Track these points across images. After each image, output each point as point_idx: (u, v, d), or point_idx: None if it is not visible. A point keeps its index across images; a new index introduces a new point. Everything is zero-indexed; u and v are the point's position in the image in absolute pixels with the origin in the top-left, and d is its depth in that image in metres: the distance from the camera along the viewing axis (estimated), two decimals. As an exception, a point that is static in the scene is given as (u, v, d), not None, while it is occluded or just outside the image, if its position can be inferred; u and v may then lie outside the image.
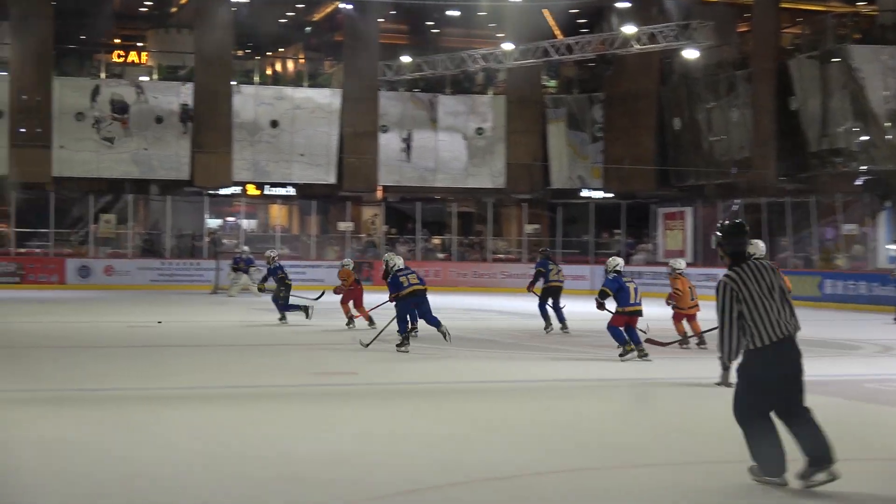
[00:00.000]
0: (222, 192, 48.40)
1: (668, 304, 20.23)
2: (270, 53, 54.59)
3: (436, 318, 19.73)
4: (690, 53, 42.85)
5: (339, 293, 25.10)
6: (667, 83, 48.05)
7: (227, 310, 30.12)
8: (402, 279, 19.89)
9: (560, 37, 48.17)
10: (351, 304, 24.80)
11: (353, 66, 48.98)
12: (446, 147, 50.61)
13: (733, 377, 9.16)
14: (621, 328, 17.90)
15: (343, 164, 48.60)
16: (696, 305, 19.90)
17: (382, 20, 50.80)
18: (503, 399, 13.97)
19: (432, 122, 50.56)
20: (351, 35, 49.27)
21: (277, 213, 51.39)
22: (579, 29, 49.54)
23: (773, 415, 8.46)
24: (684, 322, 20.15)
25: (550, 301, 23.89)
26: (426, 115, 50.60)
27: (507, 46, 46.93)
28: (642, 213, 46.68)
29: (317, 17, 54.38)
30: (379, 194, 50.20)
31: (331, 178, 48.77)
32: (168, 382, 14.95)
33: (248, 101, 48.21)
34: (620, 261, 18.62)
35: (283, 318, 25.47)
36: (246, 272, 36.06)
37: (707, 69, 45.33)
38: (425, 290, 19.85)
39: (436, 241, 49.04)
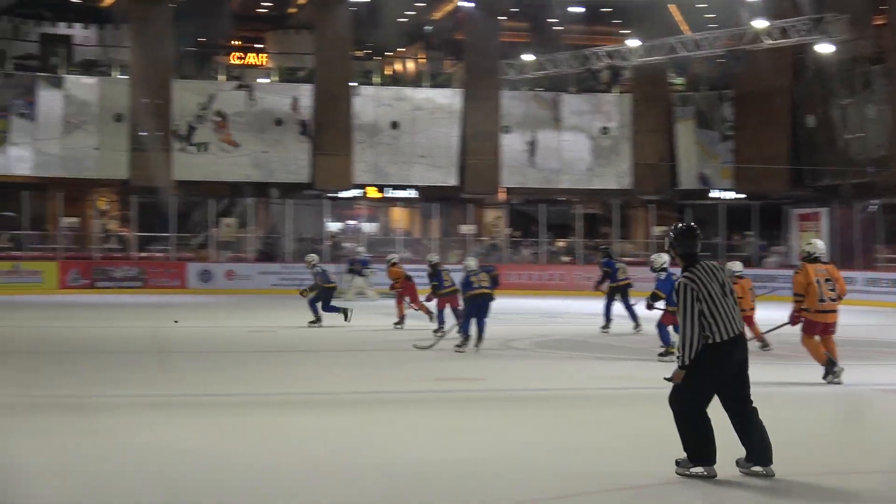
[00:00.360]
0: (342, 194, 48.67)
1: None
2: (390, 53, 54.81)
3: (483, 325, 19.92)
4: (824, 48, 41.97)
5: (396, 290, 25.40)
6: (800, 79, 47.14)
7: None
8: (472, 279, 20.20)
9: (688, 32, 47.55)
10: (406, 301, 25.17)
11: (474, 66, 48.93)
12: (570, 147, 50.29)
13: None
14: (669, 327, 18.15)
15: (465, 166, 48.58)
16: (754, 308, 19.83)
17: (504, 18, 50.66)
18: (630, 405, 13.72)
19: (556, 121, 50.28)
20: (472, 33, 49.23)
21: (398, 215, 51.54)
22: (707, 24, 48.84)
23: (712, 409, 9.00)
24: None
25: (619, 300, 24.29)
26: (549, 115, 50.34)
27: (633, 43, 46.46)
28: (774, 215, 45.80)
29: (437, 15, 54.45)
30: (501, 196, 50.05)
31: (452, 180, 48.77)
32: (288, 388, 14.97)
33: (368, 102, 48.42)
34: (666, 257, 18.79)
35: (315, 320, 25.22)
36: (360, 274, 36.21)
37: (842, 64, 44.33)
38: (492, 294, 20.11)
39: (560, 243, 48.72)
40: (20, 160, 44.68)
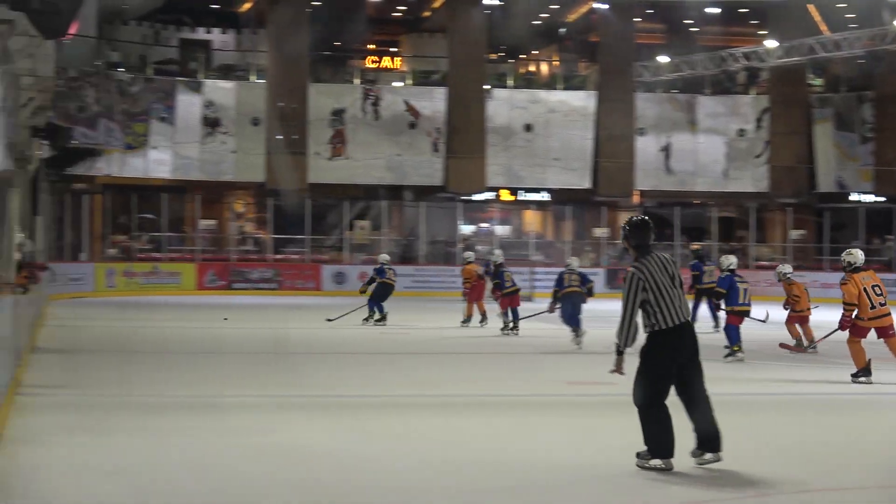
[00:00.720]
0: (475, 197, 48.78)
1: (786, 308, 20.70)
2: (524, 56, 54.78)
3: (578, 320, 21.08)
4: (970, 47, 40.91)
5: (467, 292, 26.08)
6: (943, 79, 45.98)
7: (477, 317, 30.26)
8: (564, 277, 21.50)
9: (827, 33, 46.68)
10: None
11: (608, 68, 48.69)
12: (706, 150, 49.74)
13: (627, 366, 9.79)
14: (738, 327, 18.86)
15: (598, 169, 48.36)
16: (810, 309, 20.19)
17: (639, 20, 50.31)
18: (765, 411, 13.52)
19: (691, 124, 49.78)
20: (607, 35, 48.99)
21: (531, 218, 51.50)
22: (847, 24, 47.88)
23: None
24: (797, 325, 20.63)
25: (705, 302, 24.97)
26: (685, 117, 49.85)
27: (771, 44, 45.78)
28: (917, 218, 44.76)
29: (571, 17, 54.27)
30: (636, 199, 49.71)
31: (586, 183, 48.58)
32: (420, 389, 15.05)
33: (502, 105, 48.48)
34: (734, 259, 19.62)
35: (369, 318, 26.39)
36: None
37: None
38: (581, 293, 21.23)
39: (695, 246, 48.15)
40: (160, 163, 45.65)
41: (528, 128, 48.57)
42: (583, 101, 48.87)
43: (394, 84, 49.02)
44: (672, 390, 9.48)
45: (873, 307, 15.71)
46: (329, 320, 26.44)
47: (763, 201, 49.34)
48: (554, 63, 53.86)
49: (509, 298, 24.28)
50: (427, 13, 54.00)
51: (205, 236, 45.03)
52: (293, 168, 45.57)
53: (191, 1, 49.42)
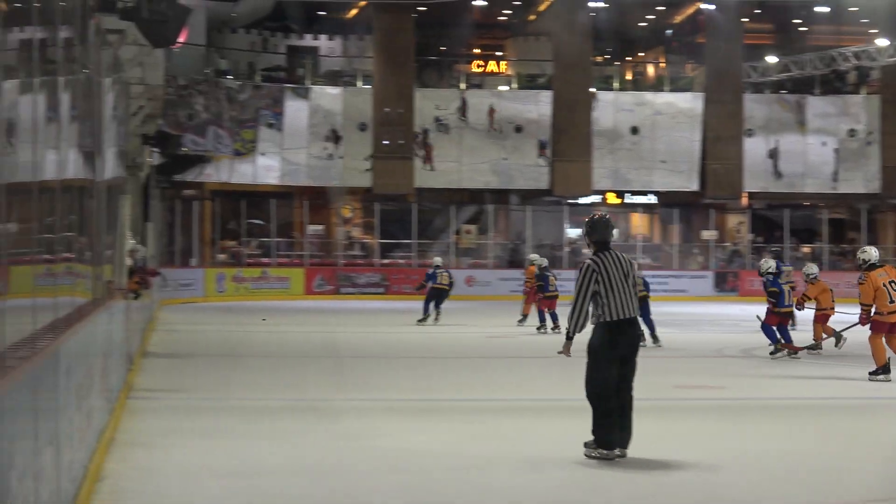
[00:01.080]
0: (582, 200, 48.59)
1: (799, 308, 20.58)
2: (630, 58, 54.45)
3: (650, 321, 21.15)
4: None
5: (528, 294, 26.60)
6: None
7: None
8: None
9: (941, 29, 45.74)
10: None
11: (715, 69, 48.18)
12: (815, 151, 48.98)
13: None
14: (774, 327, 19.36)
15: (706, 171, 47.87)
16: (833, 308, 20.23)
17: (746, 20, 49.71)
18: (877, 415, 13.26)
19: (800, 124, 49.06)
20: (714, 36, 48.46)
21: (638, 221, 51.15)
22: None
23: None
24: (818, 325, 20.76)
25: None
26: (793, 118, 49.15)
27: (882, 42, 44.95)
28: None
29: (677, 18, 53.83)
30: (744, 201, 49.13)
31: (693, 185, 48.13)
32: (519, 393, 15.00)
33: (608, 107, 48.23)
34: (773, 263, 20.51)
35: (423, 319, 27.54)
36: None
37: None
38: (646, 296, 21.21)
39: (805, 249, 47.48)
40: (268, 169, 46.11)
41: (635, 130, 48.26)
42: (690, 102, 48.43)
43: (499, 88, 48.98)
44: None
45: (892, 301, 15.91)
46: (264, 319, 28.18)
47: (875, 202, 48.45)
48: (660, 65, 53.45)
49: (549, 301, 25.04)
50: (532, 17, 53.89)
51: (313, 241, 45.41)
52: (400, 173, 45.77)
53: (298, 8, 49.85)
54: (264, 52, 49.88)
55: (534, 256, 28.00)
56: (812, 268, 21.44)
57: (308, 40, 51.96)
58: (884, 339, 16.10)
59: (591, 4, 47.57)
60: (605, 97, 48.39)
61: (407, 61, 46.83)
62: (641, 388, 15.69)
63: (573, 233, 49.13)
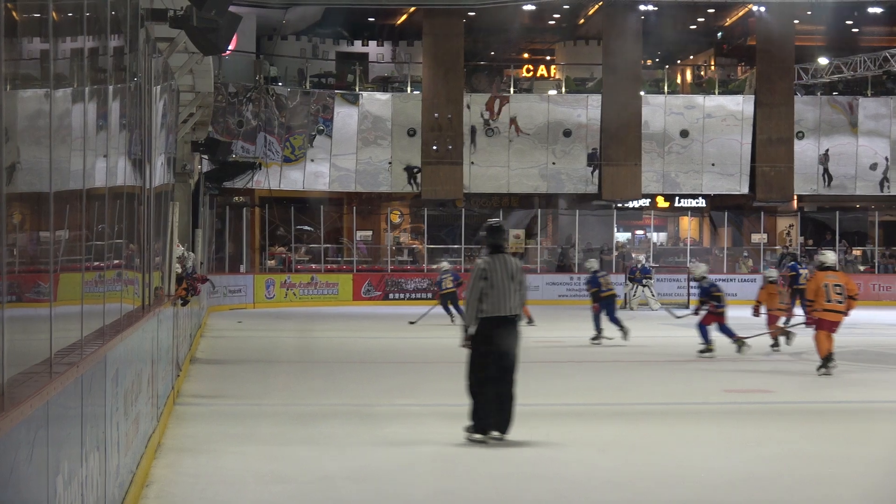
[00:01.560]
0: (631, 204, 48.45)
1: (756, 315, 22.21)
2: (680, 61, 54.24)
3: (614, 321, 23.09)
4: None
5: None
6: None
7: (629, 325, 30.01)
8: (600, 280, 23.91)
9: None
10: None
11: (766, 71, 47.89)
12: (867, 153, 48.58)
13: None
14: (709, 326, 20.74)
15: (756, 174, 47.59)
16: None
17: (797, 21, 49.37)
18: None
19: (852, 126, 48.68)
20: (764, 38, 48.16)
21: (688, 225, 50.94)
22: None
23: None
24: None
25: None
26: (845, 120, 48.76)
27: (935, 43, 44.51)
28: None
29: (728, 21, 53.56)
30: (794, 204, 48.81)
31: (743, 189, 47.87)
32: (571, 398, 15.00)
33: (657, 111, 48.06)
34: (703, 267, 22.35)
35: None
36: (641, 283, 36.03)
37: None
38: (613, 295, 23.80)
39: (856, 252, 47.10)
40: (317, 176, 46.28)
41: (684, 133, 48.06)
42: (740, 105, 48.16)
43: (550, 93, 48.93)
44: None
45: (829, 300, 17.44)
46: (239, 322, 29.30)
47: (927, 205, 48.03)
48: (710, 68, 53.20)
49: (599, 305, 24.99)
50: (581, 21, 53.80)
51: (361, 247, 45.53)
52: (449, 179, 45.83)
53: (348, 15, 50.04)
54: (314, 59, 50.14)
55: (591, 262, 27.65)
56: (772, 272, 23.22)
57: (357, 46, 52.19)
58: (815, 332, 17.59)
59: (640, 8, 47.41)
60: (654, 100, 48.22)
61: (456, 66, 46.87)
62: (690, 391, 15.72)
63: (622, 237, 49.01)
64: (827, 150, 48.45)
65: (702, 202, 48.87)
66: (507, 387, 11.22)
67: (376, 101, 47.21)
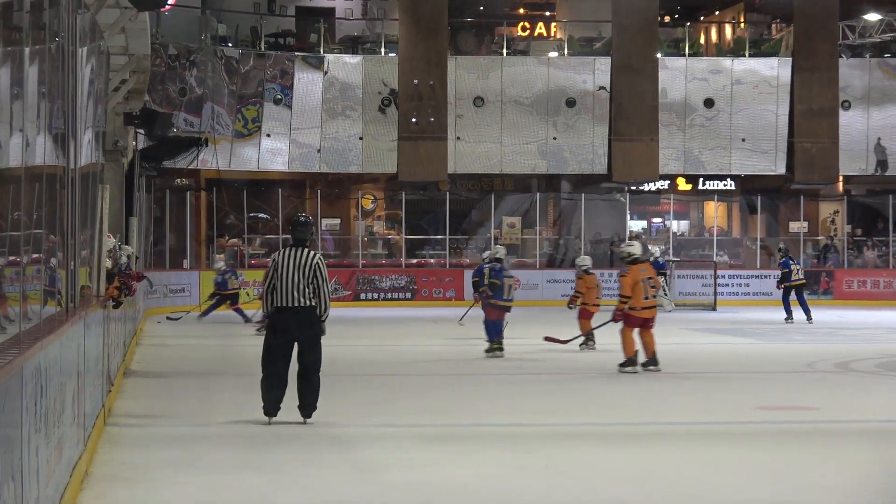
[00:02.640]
0: (646, 187, 48.49)
1: (570, 307, 24.78)
2: (704, 18, 54.30)
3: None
4: None
5: None
6: None
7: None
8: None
9: None
10: None
11: (805, 29, 47.93)
12: (926, 125, 48.69)
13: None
14: (496, 322, 22.47)
15: (794, 151, 47.65)
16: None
17: (842, -30, 49.49)
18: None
19: (907, 94, 48.78)
20: (803, -10, 48.24)
21: (713, 211, 51.01)
22: None
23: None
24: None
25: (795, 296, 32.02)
26: (899, 86, 48.88)
27: None
28: None
29: (760, -30, 53.68)
30: (840, 187, 48.92)
31: (779, 168, 47.94)
32: (583, 418, 15.01)
33: (677, 76, 48.10)
34: (501, 248, 24.10)
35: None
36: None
37: None
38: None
39: (782, 245, 47.20)
40: (274, 153, 46.14)
41: (709, 103, 48.08)
42: (774, 69, 48.21)
43: (549, 55, 48.91)
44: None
45: (647, 297, 19.45)
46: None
47: None
48: (740, 25, 53.25)
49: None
50: (587, -31, 53.89)
51: (327, 238, 45.50)
52: (430, 157, 45.81)
53: (310, -38, 50.02)
54: (270, 15, 49.99)
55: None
56: (585, 259, 25.31)
57: (322, 1, 52.08)
58: (637, 332, 19.58)
59: (656, -46, 47.46)
60: (673, 64, 48.23)
61: (439, 24, 46.78)
62: (718, 409, 15.73)
63: (636, 225, 49.06)
64: (879, 121, 48.50)
65: (730, 184, 48.92)
66: (304, 375, 14.10)
67: (344, 66, 47.13)
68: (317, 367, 14.02)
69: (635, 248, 20.09)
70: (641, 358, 19.70)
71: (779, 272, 33.21)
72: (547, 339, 22.75)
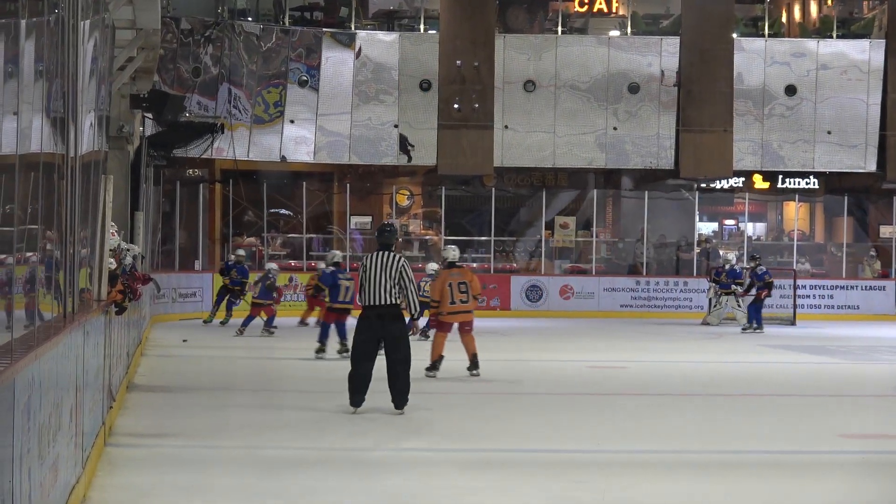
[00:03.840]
0: (718, 185, 48.39)
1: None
2: (785, -6, 54.19)
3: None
4: None
5: None
6: None
7: (714, 346, 30.08)
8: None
9: None
10: None
11: (901, 8, 47.80)
12: None
13: None
14: (331, 324, 25.26)
15: (887, 145, 47.48)
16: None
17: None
18: None
19: None
20: (900, -37, 48.10)
21: (794, 213, 50.89)
22: None
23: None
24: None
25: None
26: None
27: None
28: None
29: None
30: (939, 186, 48.80)
31: (869, 165, 47.79)
32: (640, 444, 15.02)
33: (755, 59, 47.99)
34: (338, 253, 27.58)
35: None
36: (728, 289, 35.98)
37: None
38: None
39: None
40: (298, 142, 46.22)
41: (791, 90, 47.97)
42: (866, 52, 48.06)
43: (611, 34, 48.86)
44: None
45: (453, 302, 21.66)
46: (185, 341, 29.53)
47: None
48: (827, 2, 53.12)
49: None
50: (654, -62, 53.83)
51: (357, 238, 45.59)
52: (475, 148, 45.84)
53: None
54: (296, -14, 50.10)
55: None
56: (432, 266, 28.01)
57: (353, -30, 52.17)
58: (461, 336, 21.83)
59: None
60: (751, 46, 48.13)
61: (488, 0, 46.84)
62: (795, 435, 15.70)
63: (707, 228, 48.95)
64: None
65: (813, 183, 48.79)
66: (400, 370, 16.64)
67: (378, 44, 47.21)
68: (406, 364, 16.62)
69: (448, 253, 22.81)
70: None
71: (753, 282, 35.43)
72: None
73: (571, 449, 14.51)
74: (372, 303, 16.59)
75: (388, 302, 16.57)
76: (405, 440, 14.86)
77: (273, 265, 34.53)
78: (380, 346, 16.78)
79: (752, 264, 36.06)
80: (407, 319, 18.29)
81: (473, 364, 21.85)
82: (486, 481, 12.28)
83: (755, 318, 34.58)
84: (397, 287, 16.63)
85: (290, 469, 12.70)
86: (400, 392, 16.54)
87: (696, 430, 16.32)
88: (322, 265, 29.36)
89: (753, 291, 35.31)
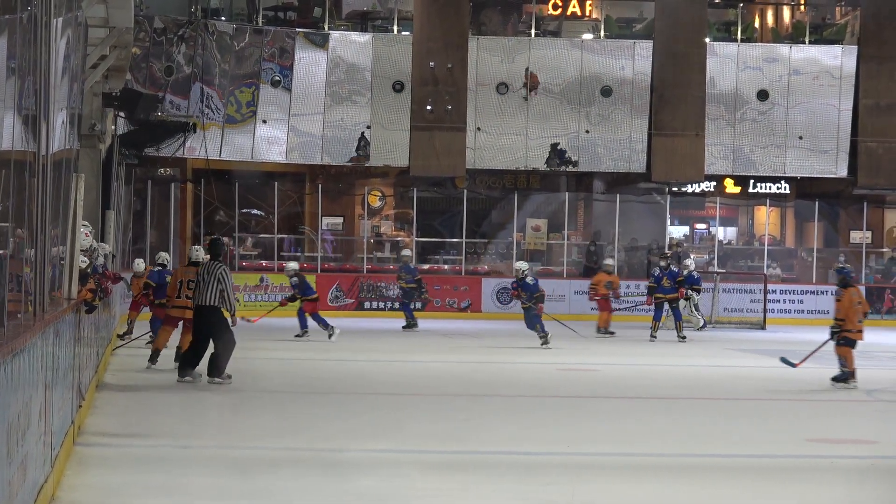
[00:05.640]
0: (690, 189, 48.46)
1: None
2: (758, -1, 54.33)
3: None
4: None
5: None
6: None
7: (684, 350, 30.18)
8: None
9: None
10: None
11: (874, 12, 47.89)
12: None
13: None
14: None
15: (858, 151, 47.59)
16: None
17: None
18: None
19: None
20: (873, -31, 48.20)
21: (765, 218, 51.00)
22: None
23: None
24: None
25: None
26: (980, 79, 48.82)
27: None
28: None
29: (824, -54, 53.68)
30: (908, 193, 48.93)
31: (840, 171, 47.88)
32: (609, 447, 15.06)
33: (728, 64, 48.07)
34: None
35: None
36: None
37: None
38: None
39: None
40: (271, 142, 46.14)
41: (763, 95, 48.05)
42: (838, 58, 48.16)
43: (584, 37, 48.91)
44: None
45: (179, 297, 22.57)
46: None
47: None
48: (799, 8, 53.25)
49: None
50: (627, -58, 53.91)
51: (328, 239, 45.54)
52: (447, 150, 45.84)
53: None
54: (268, -14, 50.05)
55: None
56: (291, 264, 31.31)
57: (327, -30, 52.13)
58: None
59: (706, -74, 47.47)
60: (723, 50, 48.22)
61: (460, 0, 46.81)
62: (763, 440, 15.76)
63: (678, 232, 49.03)
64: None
65: (785, 188, 48.89)
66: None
67: (351, 45, 47.17)
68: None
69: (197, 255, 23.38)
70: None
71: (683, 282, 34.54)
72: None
73: (541, 451, 14.54)
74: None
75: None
76: (375, 441, 14.88)
77: (293, 264, 34.10)
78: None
79: (664, 263, 35.30)
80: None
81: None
82: (456, 483, 12.31)
83: (679, 316, 34.29)
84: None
85: (261, 469, 12.71)
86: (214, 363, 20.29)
87: (666, 433, 16.36)
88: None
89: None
